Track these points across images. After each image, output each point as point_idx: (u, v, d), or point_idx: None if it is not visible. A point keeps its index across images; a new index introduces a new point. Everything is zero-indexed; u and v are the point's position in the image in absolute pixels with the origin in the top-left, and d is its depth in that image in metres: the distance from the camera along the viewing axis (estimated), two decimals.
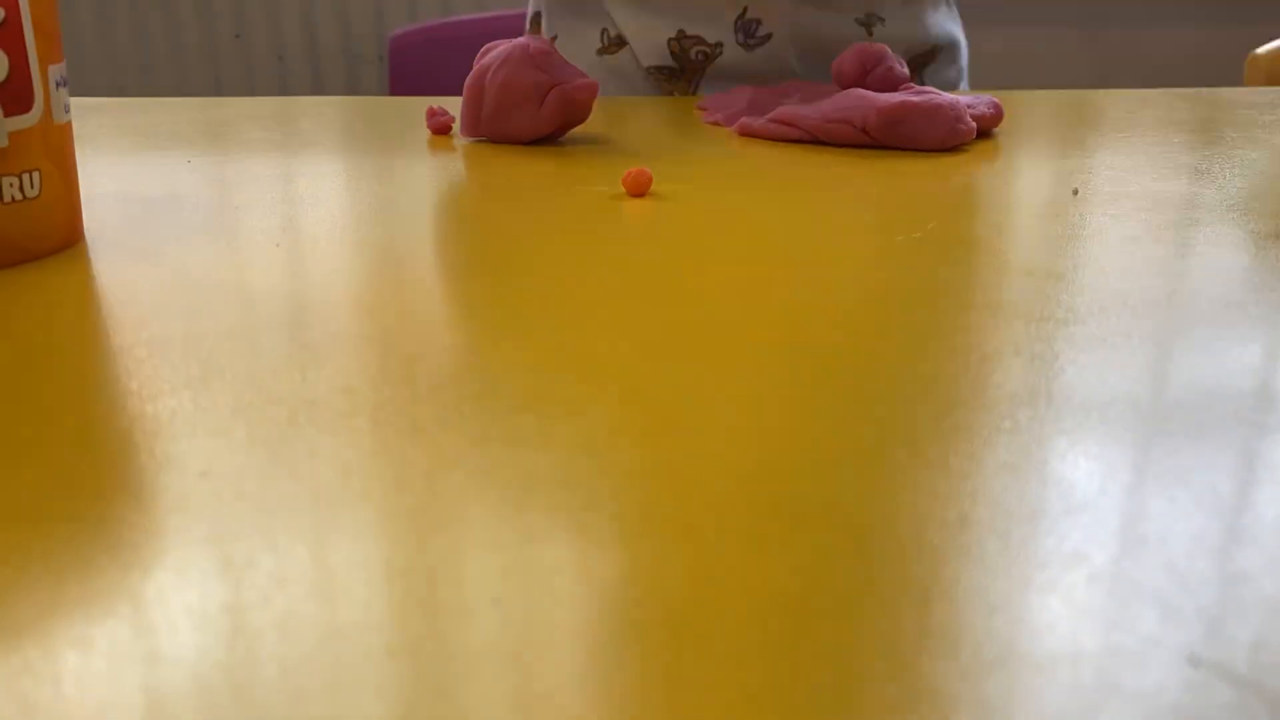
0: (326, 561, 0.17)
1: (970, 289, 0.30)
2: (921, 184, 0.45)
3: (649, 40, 0.78)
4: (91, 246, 0.36)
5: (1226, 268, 0.32)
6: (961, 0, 2.01)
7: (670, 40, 0.77)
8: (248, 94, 2.27)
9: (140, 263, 0.34)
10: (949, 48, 0.83)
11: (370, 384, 0.24)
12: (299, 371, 0.25)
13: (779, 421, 0.22)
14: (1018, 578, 0.16)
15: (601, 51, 0.81)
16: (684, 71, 0.78)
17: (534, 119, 0.54)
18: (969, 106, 0.56)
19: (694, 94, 0.79)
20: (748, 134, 0.58)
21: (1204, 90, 0.76)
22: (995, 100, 0.58)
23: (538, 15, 0.85)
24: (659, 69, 0.79)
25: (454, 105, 0.72)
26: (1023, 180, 0.46)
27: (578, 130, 0.60)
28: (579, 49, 0.82)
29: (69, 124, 0.35)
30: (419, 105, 0.72)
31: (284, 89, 2.27)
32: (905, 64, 0.79)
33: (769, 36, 0.76)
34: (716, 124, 0.62)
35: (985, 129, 0.57)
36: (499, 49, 0.56)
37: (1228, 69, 2.15)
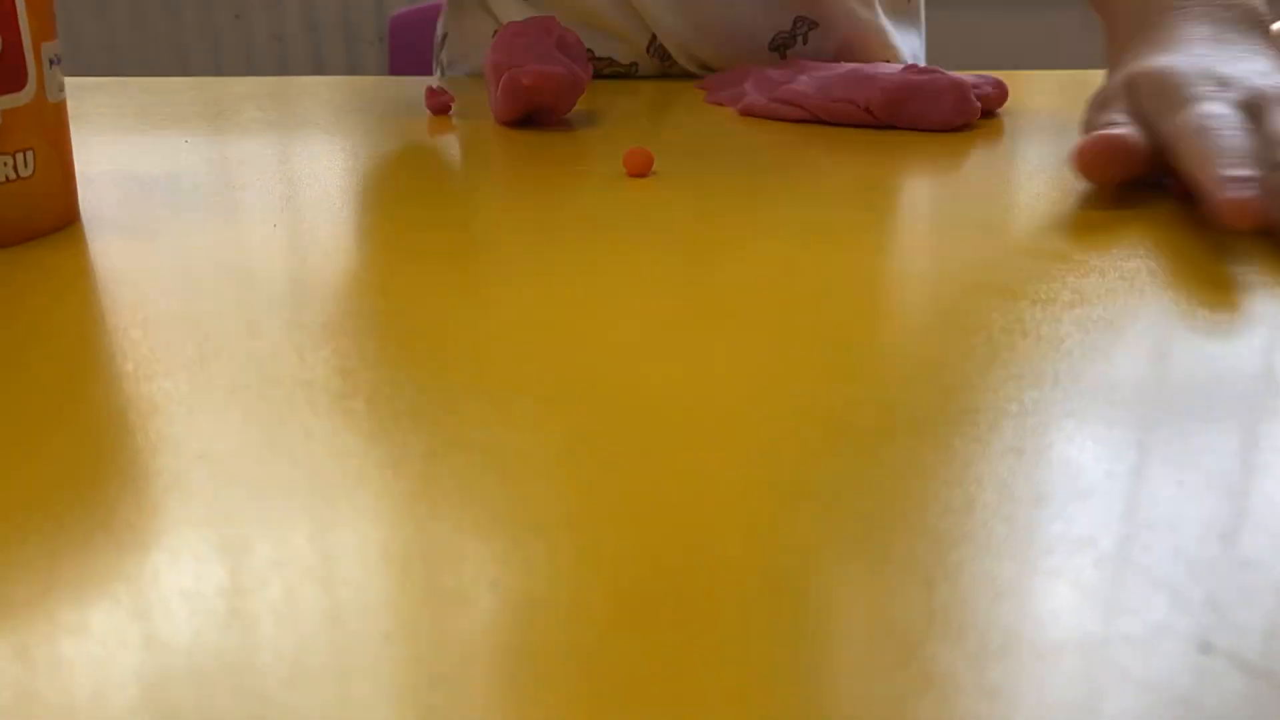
0: (323, 545, 0.17)
1: (976, 270, 0.30)
2: (926, 164, 0.45)
3: None
4: (88, 226, 0.36)
5: (1235, 249, 0.32)
6: None
7: None
8: (247, 74, 2.26)
9: (137, 243, 0.34)
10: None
11: (368, 366, 0.24)
12: (296, 353, 0.24)
13: (782, 404, 0.21)
14: (1024, 563, 0.16)
15: None
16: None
17: (495, 101, 0.54)
18: (973, 86, 0.55)
19: None
20: (751, 114, 0.57)
21: None
22: (999, 80, 0.57)
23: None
24: None
25: (452, 86, 0.71)
26: (1027, 160, 0.45)
27: (580, 110, 0.60)
28: (473, 46, 0.80)
29: (63, 102, 0.35)
30: (418, 85, 0.72)
31: (283, 69, 2.26)
32: None
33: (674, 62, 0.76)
34: (719, 104, 0.62)
35: (989, 109, 0.57)
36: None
37: None
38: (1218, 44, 0.43)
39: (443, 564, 0.16)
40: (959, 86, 0.52)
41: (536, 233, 0.34)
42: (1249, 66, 0.40)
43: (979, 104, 0.53)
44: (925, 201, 0.38)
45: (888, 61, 0.79)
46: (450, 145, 0.50)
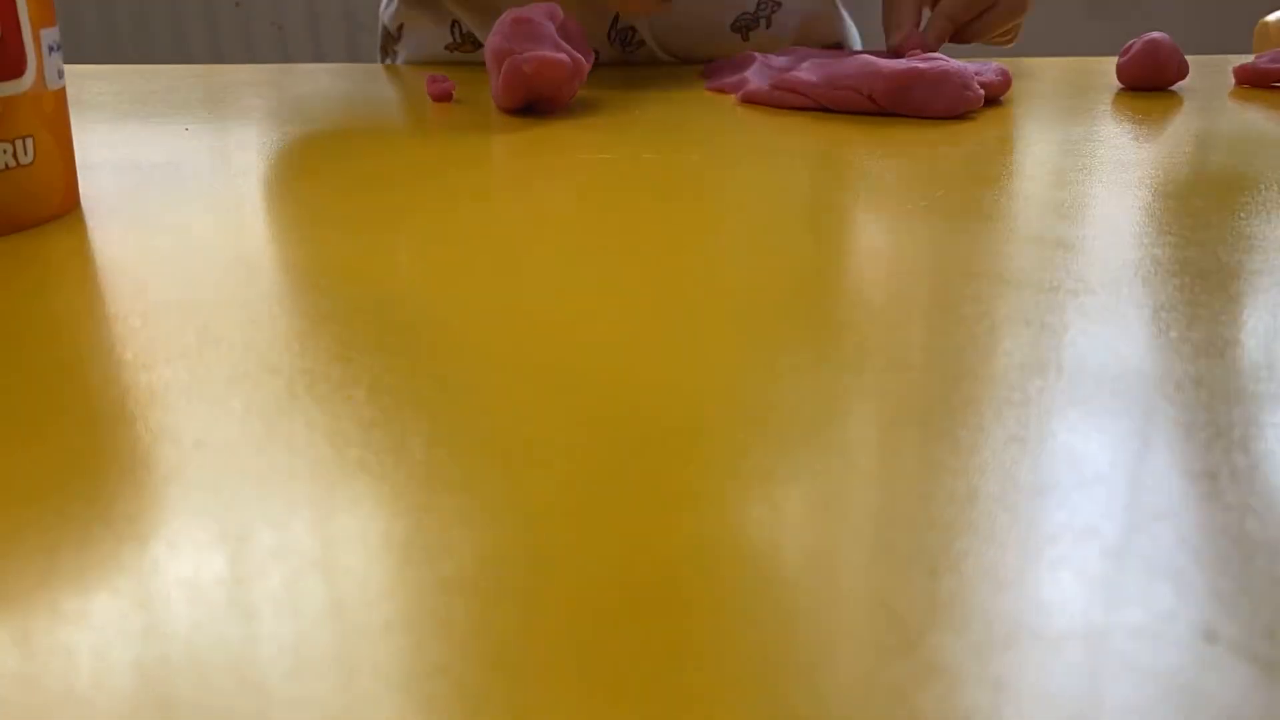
0: (323, 534, 0.16)
1: (979, 258, 0.30)
2: (929, 152, 0.44)
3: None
4: (88, 214, 0.35)
5: (1238, 236, 0.32)
6: None
7: None
8: (247, 62, 2.25)
9: (137, 230, 0.33)
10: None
11: (368, 354, 0.23)
12: (296, 341, 0.24)
13: (784, 392, 0.21)
14: (1028, 552, 0.16)
15: (451, 48, 0.78)
16: None
17: (497, 87, 0.53)
18: (976, 74, 0.55)
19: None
20: (752, 101, 0.57)
21: (1213, 57, 0.75)
22: (1003, 68, 0.57)
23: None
24: None
25: (453, 73, 0.71)
26: (1031, 148, 0.45)
27: (581, 97, 0.60)
28: (425, 43, 0.79)
29: (63, 90, 0.35)
30: (419, 73, 0.71)
31: (284, 57, 2.25)
32: None
33: (643, 42, 0.76)
34: (721, 90, 0.61)
35: (993, 96, 0.56)
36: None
37: (1236, 36, 2.13)
38: None
39: (443, 553, 0.16)
40: (961, 75, 0.52)
41: (539, 222, 0.34)
42: None
43: (982, 92, 0.53)
44: (928, 189, 0.38)
45: (840, 45, 0.79)
46: (451, 133, 0.50)
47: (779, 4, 0.75)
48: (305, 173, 0.41)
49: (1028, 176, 0.40)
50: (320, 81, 0.67)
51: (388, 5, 0.82)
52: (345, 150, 0.46)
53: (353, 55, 2.26)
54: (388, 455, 0.19)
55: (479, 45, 0.77)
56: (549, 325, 0.25)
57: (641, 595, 0.15)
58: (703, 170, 0.41)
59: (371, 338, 0.24)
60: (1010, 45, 0.72)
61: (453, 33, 0.77)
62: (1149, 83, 0.61)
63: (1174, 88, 0.62)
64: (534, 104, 0.54)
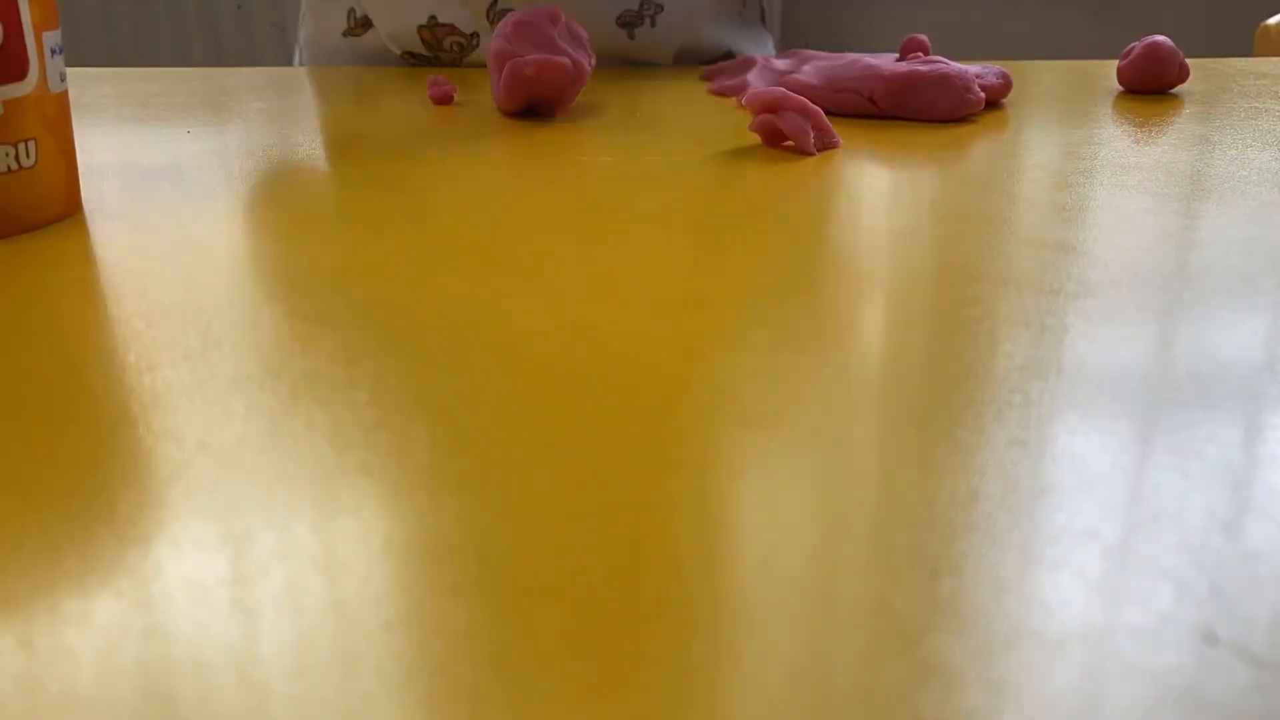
0: (326, 535, 0.17)
1: (979, 261, 0.30)
2: (930, 154, 0.45)
3: (397, 24, 0.74)
4: (90, 217, 0.35)
5: (1238, 240, 0.32)
6: None
7: (421, 28, 0.73)
8: (249, 65, 2.25)
9: (139, 233, 0.33)
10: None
11: (371, 356, 0.24)
12: (298, 343, 0.24)
13: (785, 396, 0.21)
14: (1028, 554, 0.16)
15: (347, 33, 0.77)
16: (438, 62, 0.75)
17: (498, 90, 0.54)
18: (977, 76, 0.55)
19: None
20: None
21: (1214, 61, 0.75)
22: (1004, 70, 0.57)
23: None
24: (412, 56, 0.75)
25: (453, 75, 0.71)
26: (1032, 151, 0.45)
27: (582, 101, 0.60)
28: (326, 29, 0.78)
29: (65, 93, 0.35)
30: (420, 75, 0.71)
31: (285, 60, 2.26)
32: None
33: None
34: (721, 94, 0.62)
35: (994, 99, 0.56)
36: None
37: (1237, 40, 2.13)
38: None
39: (445, 555, 0.16)
40: (962, 78, 0.52)
41: (542, 224, 0.34)
42: None
43: (982, 95, 0.53)
44: (928, 191, 0.38)
45: (730, 54, 0.79)
46: (451, 135, 0.50)
47: (661, 7, 0.74)
48: (307, 175, 0.42)
49: (1028, 179, 0.40)
50: (321, 84, 0.68)
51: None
52: (346, 153, 0.46)
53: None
54: (390, 457, 0.19)
55: (370, 27, 0.75)
56: (550, 328, 0.25)
57: (641, 596, 0.15)
58: (704, 172, 0.41)
59: (374, 340, 0.24)
60: None
61: (349, 18, 0.77)
62: (1150, 86, 0.61)
63: (1175, 91, 0.62)
64: (535, 107, 0.55)
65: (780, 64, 0.62)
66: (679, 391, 0.22)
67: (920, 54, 0.60)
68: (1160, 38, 0.61)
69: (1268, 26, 1.22)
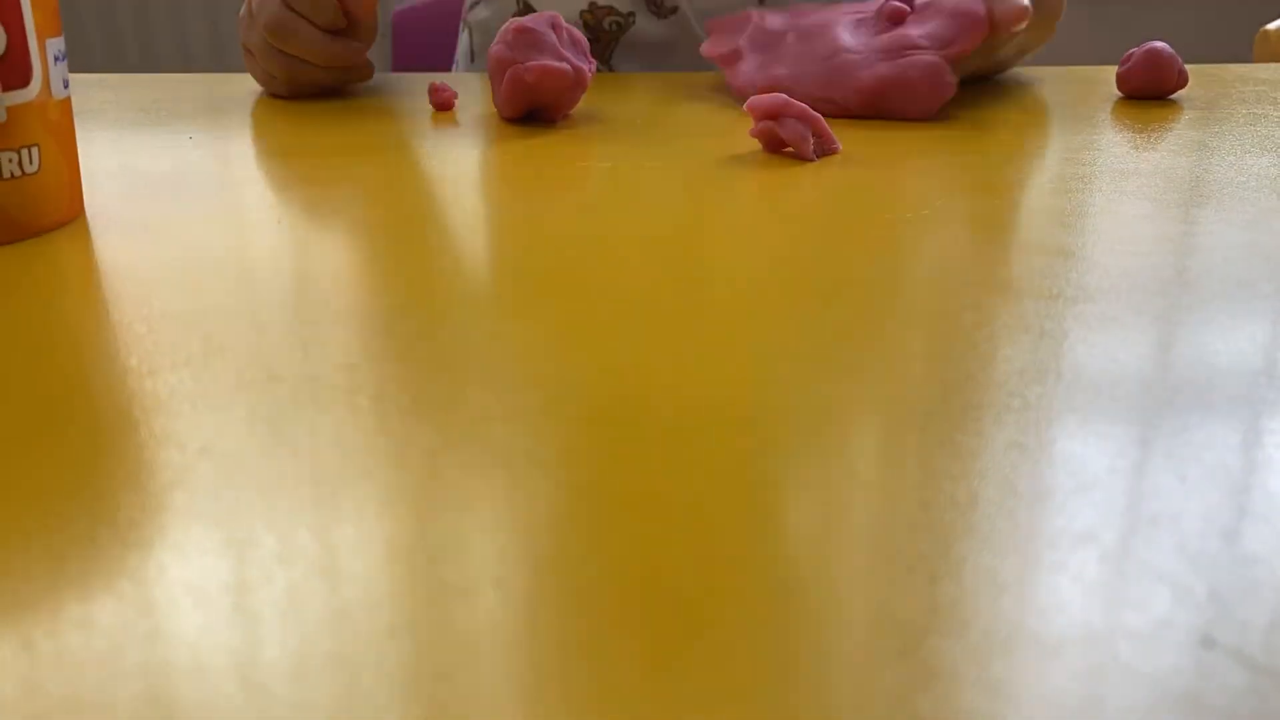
0: (327, 540, 0.17)
1: (979, 266, 0.30)
2: (929, 160, 0.45)
3: (561, 11, 0.78)
4: (92, 222, 0.36)
5: (1236, 245, 0.32)
6: None
7: (583, 11, 0.78)
8: None
9: (141, 239, 0.34)
10: None
11: (372, 361, 0.24)
12: (301, 348, 0.24)
13: (784, 401, 0.21)
14: (1027, 557, 0.16)
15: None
16: (597, 42, 0.79)
17: (499, 96, 0.54)
18: (937, 37, 0.53)
19: (607, 66, 0.80)
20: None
21: (1213, 67, 0.75)
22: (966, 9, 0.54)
23: None
24: None
25: (456, 82, 0.71)
26: (1031, 156, 0.45)
27: (583, 107, 0.60)
28: (500, 13, 0.82)
29: (68, 99, 0.35)
30: (422, 81, 0.72)
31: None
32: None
33: (675, 9, 0.78)
34: (716, 61, 0.63)
35: (1003, 29, 0.51)
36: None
37: (1237, 45, 2.13)
38: None
39: (446, 559, 0.16)
40: (932, 69, 0.52)
41: (539, 229, 0.34)
42: None
43: (955, 80, 0.52)
44: (927, 197, 0.38)
45: None
46: (453, 141, 0.50)
47: None
48: (308, 181, 0.42)
49: (1027, 184, 0.40)
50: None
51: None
52: (347, 158, 0.46)
53: None
54: (391, 462, 0.19)
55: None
56: (550, 332, 0.25)
57: (643, 601, 0.15)
58: (704, 178, 0.41)
59: (375, 345, 0.25)
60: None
61: (518, 4, 0.80)
62: (1149, 91, 0.61)
63: (1174, 96, 0.62)
64: (536, 113, 0.55)
65: (775, 23, 0.62)
66: (675, 397, 0.22)
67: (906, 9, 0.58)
68: (1159, 44, 0.61)
69: (1267, 32, 1.23)
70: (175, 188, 0.41)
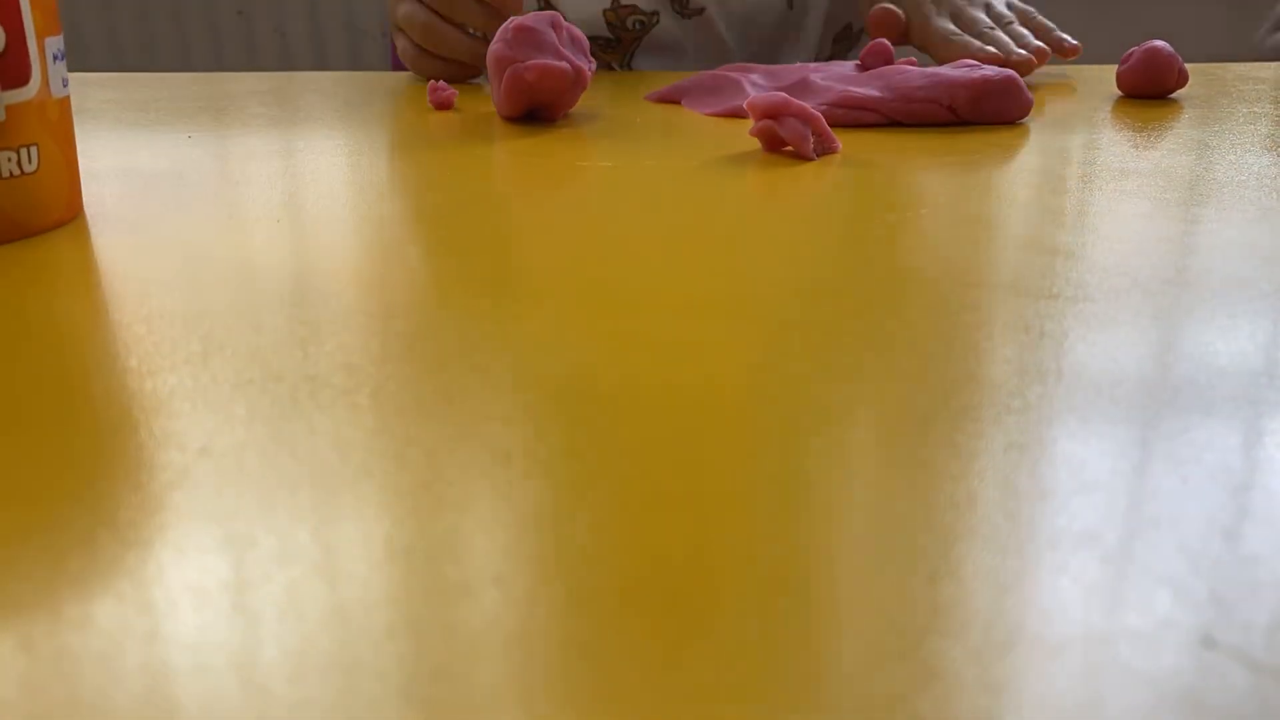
0: (327, 540, 0.17)
1: (978, 266, 0.30)
2: (928, 160, 0.45)
3: (584, 10, 0.78)
4: (91, 222, 0.36)
5: (1237, 244, 0.32)
6: None
7: (606, 10, 0.77)
8: (250, 69, 2.26)
9: (140, 238, 0.34)
10: (861, 32, 0.85)
11: (372, 361, 0.24)
12: (300, 348, 0.24)
13: (785, 399, 0.21)
14: (1027, 558, 0.16)
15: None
16: (619, 42, 0.78)
17: (499, 95, 0.54)
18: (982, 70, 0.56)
19: (629, 65, 0.80)
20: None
21: (1213, 65, 0.75)
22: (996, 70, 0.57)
23: None
24: (593, 39, 0.79)
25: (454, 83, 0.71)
26: (1031, 155, 0.45)
27: (582, 106, 0.60)
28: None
29: (67, 98, 0.35)
30: (421, 81, 0.72)
31: (286, 64, 2.26)
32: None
33: (702, 10, 0.77)
34: (716, 115, 0.59)
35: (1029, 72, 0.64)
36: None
37: (1240, 44, 2.13)
38: None
39: (446, 558, 0.16)
40: (1018, 81, 0.55)
41: (541, 229, 0.34)
42: None
43: (1032, 97, 0.56)
44: (926, 196, 0.38)
45: (849, 26, 0.82)
46: (452, 141, 0.50)
47: None
48: (307, 181, 0.42)
49: (1027, 183, 0.40)
50: (323, 89, 0.68)
51: None
52: (347, 158, 0.46)
53: (355, 63, 2.26)
54: (390, 461, 0.19)
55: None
56: (549, 332, 0.25)
57: (642, 599, 0.15)
58: (704, 177, 0.41)
59: (375, 345, 0.25)
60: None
61: (538, 5, 0.80)
62: (1149, 90, 0.61)
63: (1173, 95, 0.62)
64: (535, 112, 0.55)
65: (760, 80, 0.61)
66: (675, 395, 0.22)
67: (886, 56, 0.60)
68: (1159, 43, 0.61)
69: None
70: (174, 187, 0.41)
